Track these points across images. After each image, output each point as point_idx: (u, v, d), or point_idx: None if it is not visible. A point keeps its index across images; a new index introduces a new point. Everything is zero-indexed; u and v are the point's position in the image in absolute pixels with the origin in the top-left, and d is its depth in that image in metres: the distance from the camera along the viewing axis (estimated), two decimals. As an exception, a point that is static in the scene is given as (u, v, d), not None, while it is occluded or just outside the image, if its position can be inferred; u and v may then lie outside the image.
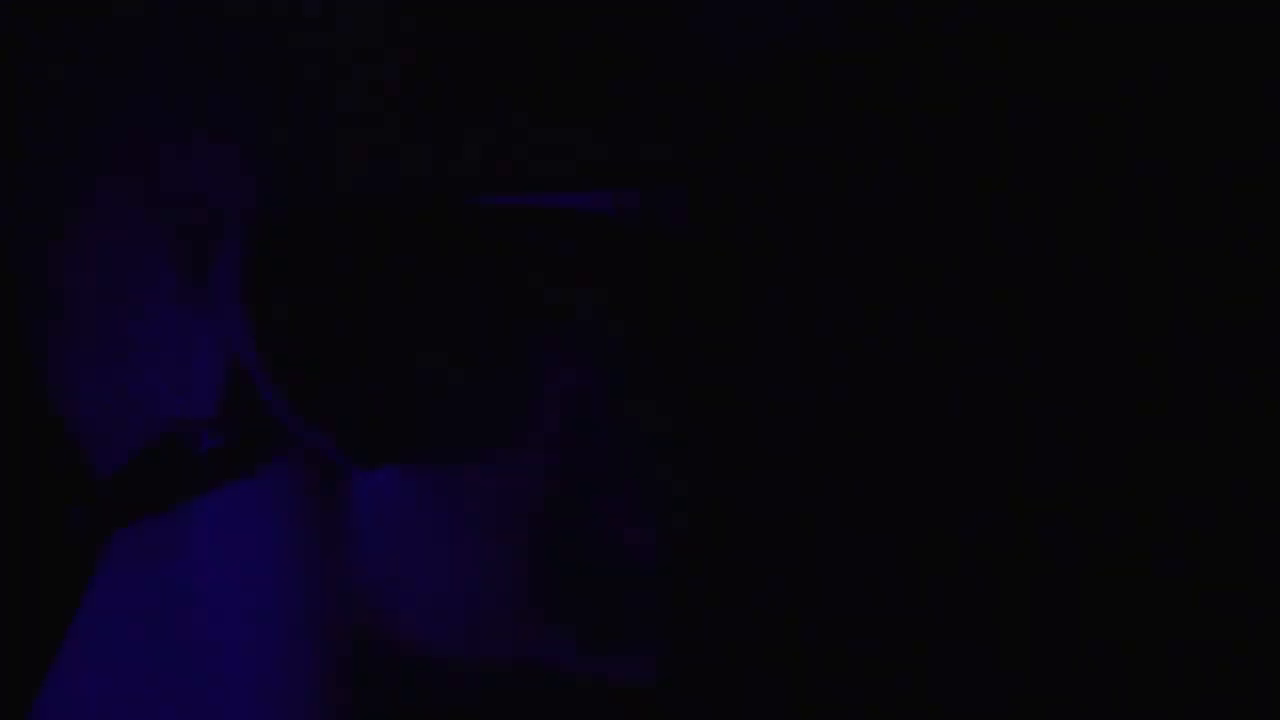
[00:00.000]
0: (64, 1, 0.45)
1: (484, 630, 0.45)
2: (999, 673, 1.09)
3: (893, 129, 1.04)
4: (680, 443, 0.47)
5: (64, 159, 0.44)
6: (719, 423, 0.49)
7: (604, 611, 0.47)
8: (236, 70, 0.43)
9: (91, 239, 0.44)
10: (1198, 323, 1.07)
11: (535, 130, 0.44)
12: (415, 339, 0.44)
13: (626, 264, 0.45)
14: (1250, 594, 1.05)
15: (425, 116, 0.43)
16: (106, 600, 0.47)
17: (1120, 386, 1.08)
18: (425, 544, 0.44)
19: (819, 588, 1.09)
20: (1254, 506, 1.06)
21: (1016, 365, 1.09)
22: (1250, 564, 1.05)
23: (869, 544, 1.12)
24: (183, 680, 0.45)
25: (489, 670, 0.47)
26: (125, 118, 0.43)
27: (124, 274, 0.43)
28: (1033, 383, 1.09)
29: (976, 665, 1.09)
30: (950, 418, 1.11)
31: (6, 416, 0.96)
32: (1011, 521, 1.10)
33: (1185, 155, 1.04)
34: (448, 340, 0.44)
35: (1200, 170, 1.06)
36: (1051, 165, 1.08)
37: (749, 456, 0.52)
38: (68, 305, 0.45)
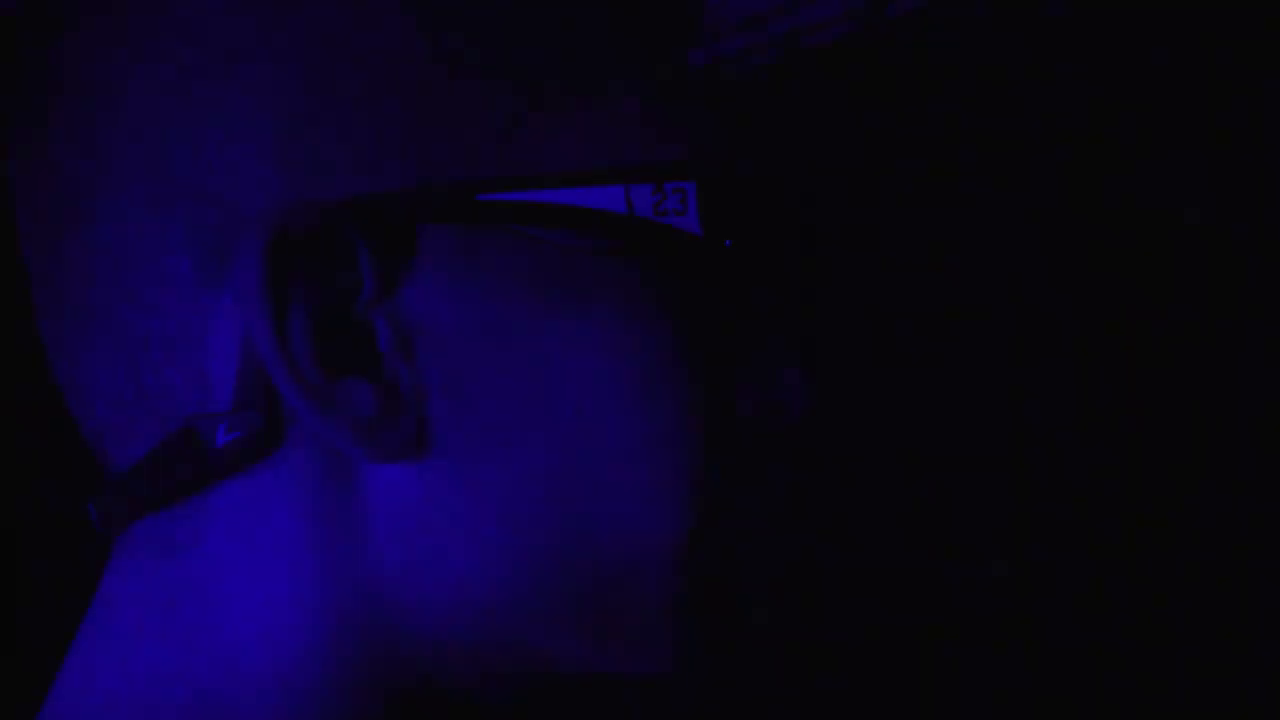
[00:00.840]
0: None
1: (499, 623, 0.46)
2: (998, 673, 1.09)
3: (896, 124, 1.04)
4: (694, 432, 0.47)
5: (78, 157, 0.44)
6: (720, 420, 0.49)
7: (619, 602, 0.47)
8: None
9: (105, 237, 0.44)
10: (1196, 323, 1.07)
11: (546, 125, 0.45)
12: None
13: (640, 259, 0.46)
14: (1250, 594, 1.05)
15: (438, 107, 0.44)
16: (121, 592, 0.47)
17: (1119, 386, 1.09)
18: (441, 536, 0.45)
19: (819, 586, 1.10)
20: (1254, 506, 1.06)
21: (1018, 366, 1.10)
22: (1250, 564, 1.05)
23: (869, 542, 1.12)
24: (198, 673, 0.45)
25: (502, 663, 0.47)
26: (138, 117, 0.44)
27: (138, 271, 0.44)
28: (1033, 383, 1.10)
29: (976, 665, 1.09)
30: (951, 417, 1.11)
31: (20, 414, 0.96)
32: (1011, 521, 1.11)
33: (1184, 155, 1.05)
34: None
35: (1199, 170, 1.06)
36: (1054, 163, 1.08)
37: (751, 452, 0.53)
38: (83, 303, 0.45)
